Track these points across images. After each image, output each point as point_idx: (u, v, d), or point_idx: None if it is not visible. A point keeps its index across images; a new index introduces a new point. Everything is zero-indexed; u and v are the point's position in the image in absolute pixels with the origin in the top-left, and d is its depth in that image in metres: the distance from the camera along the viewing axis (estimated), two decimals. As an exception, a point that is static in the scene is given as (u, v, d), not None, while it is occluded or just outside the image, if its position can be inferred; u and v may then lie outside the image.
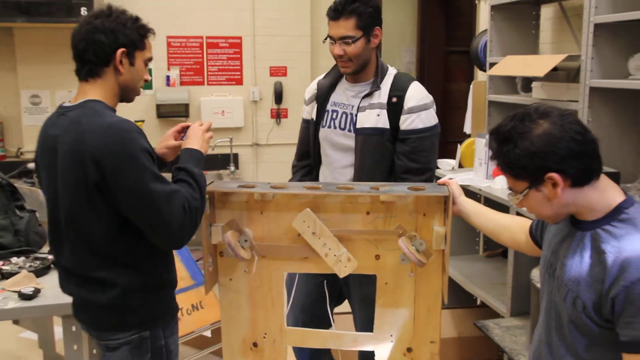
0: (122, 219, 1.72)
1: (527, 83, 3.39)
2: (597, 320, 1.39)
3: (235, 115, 5.48)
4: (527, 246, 1.77)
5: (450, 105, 6.46)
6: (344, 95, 2.45)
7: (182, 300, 3.32)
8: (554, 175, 1.37)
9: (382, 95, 2.35)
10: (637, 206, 1.41)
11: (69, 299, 2.12)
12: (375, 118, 2.34)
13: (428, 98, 2.37)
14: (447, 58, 6.36)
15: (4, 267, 2.32)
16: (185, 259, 3.48)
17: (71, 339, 2.21)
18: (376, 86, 2.36)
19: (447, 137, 6.41)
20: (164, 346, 1.88)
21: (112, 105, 1.84)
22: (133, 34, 1.81)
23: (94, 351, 2.74)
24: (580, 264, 1.42)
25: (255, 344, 2.00)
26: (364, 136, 2.35)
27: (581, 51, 2.69)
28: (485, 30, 3.72)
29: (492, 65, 3.47)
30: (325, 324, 2.43)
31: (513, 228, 1.83)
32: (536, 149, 1.37)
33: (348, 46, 2.29)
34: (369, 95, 2.37)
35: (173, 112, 5.30)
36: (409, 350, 1.93)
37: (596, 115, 2.64)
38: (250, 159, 5.63)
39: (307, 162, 2.61)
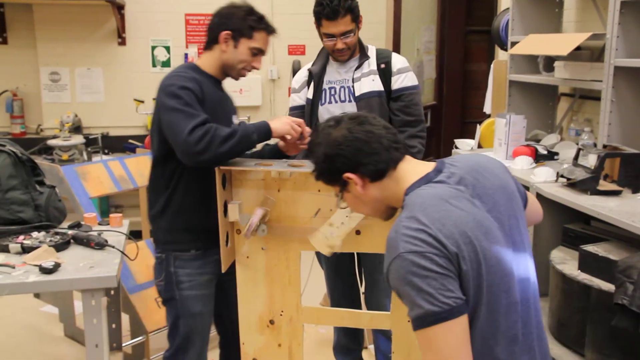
0: (168, 146, 2.05)
1: (549, 62, 3.33)
2: None
3: (253, 94, 5.47)
4: None
5: (469, 86, 6.39)
6: (337, 73, 2.70)
7: None
8: (350, 175, 1.44)
9: (371, 64, 2.66)
10: (418, 189, 1.39)
11: (88, 274, 2.16)
12: (371, 83, 2.63)
13: (408, 63, 2.73)
14: (466, 37, 6.28)
15: (24, 242, 2.34)
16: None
17: (91, 313, 2.23)
18: (365, 57, 2.66)
19: (465, 117, 6.37)
20: (173, 274, 2.18)
21: (212, 71, 2.23)
22: (241, 23, 2.17)
23: (113, 325, 2.79)
24: None
25: (272, 322, 2.01)
26: (365, 100, 2.61)
27: (606, 29, 2.64)
28: (507, 8, 3.66)
29: (513, 44, 3.41)
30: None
31: None
32: (327, 154, 1.46)
33: (348, 39, 2.57)
34: (360, 66, 2.65)
35: (191, 90, 5.29)
36: None
37: (621, 96, 2.59)
38: (267, 138, 5.61)
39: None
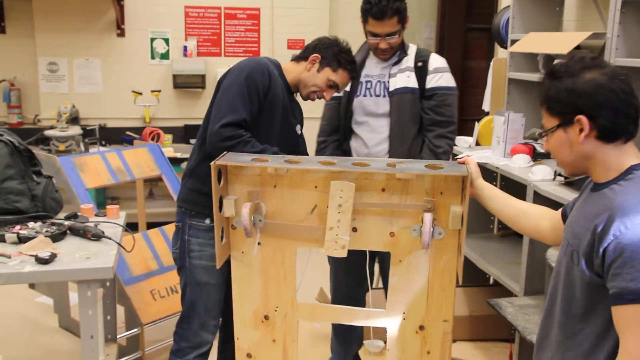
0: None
1: (549, 61, 3.32)
2: (588, 276, 1.38)
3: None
4: (552, 233, 1.73)
5: (468, 83, 6.39)
6: (376, 67, 2.72)
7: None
8: (583, 119, 1.38)
9: (409, 61, 2.68)
10: None
11: (84, 265, 2.16)
12: (405, 79, 2.64)
13: (447, 64, 2.72)
14: (466, 35, 6.27)
15: (20, 232, 2.33)
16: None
17: (86, 304, 2.22)
18: (404, 53, 2.68)
19: (464, 115, 6.37)
20: (186, 242, 2.31)
21: (289, 79, 2.38)
22: (333, 56, 2.35)
23: (108, 317, 2.78)
24: (582, 219, 1.43)
25: (266, 317, 2.00)
26: (398, 96, 2.63)
27: (607, 29, 2.64)
28: (508, 6, 3.65)
29: (513, 42, 3.41)
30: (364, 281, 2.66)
31: (535, 215, 1.79)
32: (576, 87, 1.39)
33: (392, 39, 2.59)
34: (398, 62, 2.67)
35: (189, 83, 5.29)
36: (421, 328, 1.91)
37: (619, 95, 2.59)
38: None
39: (337, 136, 2.78)
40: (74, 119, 5.04)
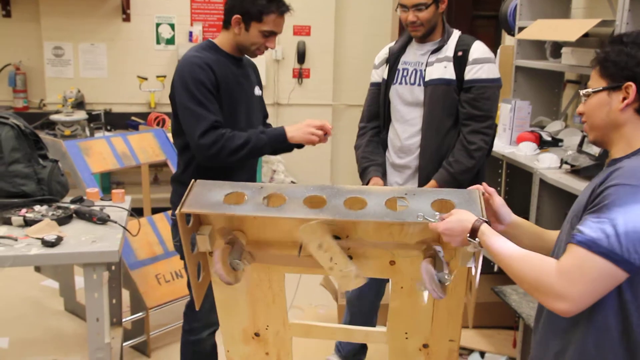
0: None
1: (556, 48, 3.30)
2: None
3: (257, 74, 5.44)
4: None
5: (474, 71, 6.35)
6: (414, 54, 2.63)
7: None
8: (633, 86, 1.35)
9: (449, 50, 2.56)
10: None
11: (90, 248, 2.16)
12: (442, 70, 2.54)
13: (490, 54, 2.59)
14: (473, 22, 6.24)
15: (27, 215, 2.34)
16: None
17: (92, 287, 2.23)
18: (443, 41, 2.57)
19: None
20: None
21: (229, 50, 2.32)
22: (251, 7, 2.22)
23: (114, 300, 2.80)
24: (586, 189, 1.42)
25: (257, 334, 1.85)
26: (432, 87, 2.54)
27: (616, 16, 2.61)
28: (516, -7, 3.62)
29: (521, 29, 3.38)
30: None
31: None
32: (636, 55, 1.36)
33: (420, 12, 2.49)
34: (436, 50, 2.57)
35: (195, 69, 5.26)
36: (425, 346, 1.79)
37: (628, 83, 2.57)
38: (270, 119, 5.60)
39: (377, 123, 2.73)
40: (79, 104, 5.03)
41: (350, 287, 1.63)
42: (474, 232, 1.42)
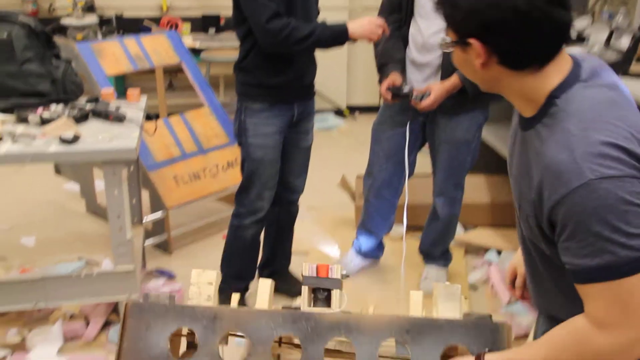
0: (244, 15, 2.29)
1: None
2: (543, 238, 1.14)
3: None
4: None
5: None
6: None
7: (218, 157, 3.37)
8: (476, 43, 1.08)
9: None
10: (571, 90, 1.08)
11: (108, 146, 2.17)
12: None
13: None
14: None
15: (43, 114, 2.34)
16: (221, 118, 3.48)
17: (112, 185, 2.26)
18: None
19: None
20: (243, 122, 2.44)
21: None
22: None
23: (134, 200, 2.84)
24: (519, 174, 1.18)
25: None
26: None
27: None
28: None
29: None
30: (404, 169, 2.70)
31: None
32: (465, 3, 1.07)
33: None
34: None
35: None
36: None
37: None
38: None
39: (397, 16, 2.58)
40: (89, 8, 4.91)
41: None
42: None
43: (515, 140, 1.22)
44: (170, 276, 2.97)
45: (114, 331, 2.54)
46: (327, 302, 1.35)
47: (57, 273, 2.55)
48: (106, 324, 2.59)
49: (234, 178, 3.30)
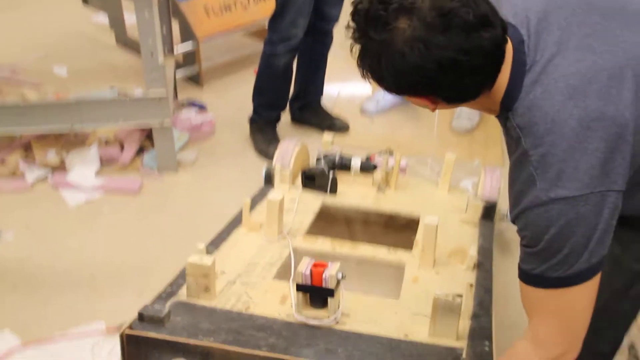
0: None
1: None
2: None
3: None
4: None
5: None
6: None
7: None
8: (415, 99, 1.04)
9: None
10: (520, 98, 1.01)
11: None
12: None
13: None
14: None
15: None
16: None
17: (142, 6, 2.20)
18: None
19: None
20: None
21: None
22: None
23: (164, 29, 2.78)
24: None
25: None
26: None
27: None
28: None
29: None
30: None
31: None
32: (389, 76, 0.99)
33: None
34: None
35: None
36: None
37: None
38: None
39: None
40: None
41: None
42: None
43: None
44: (201, 107, 2.98)
45: (148, 156, 2.60)
46: (324, 302, 1.31)
47: (91, 97, 2.57)
48: (140, 150, 2.65)
49: (265, 11, 3.18)
